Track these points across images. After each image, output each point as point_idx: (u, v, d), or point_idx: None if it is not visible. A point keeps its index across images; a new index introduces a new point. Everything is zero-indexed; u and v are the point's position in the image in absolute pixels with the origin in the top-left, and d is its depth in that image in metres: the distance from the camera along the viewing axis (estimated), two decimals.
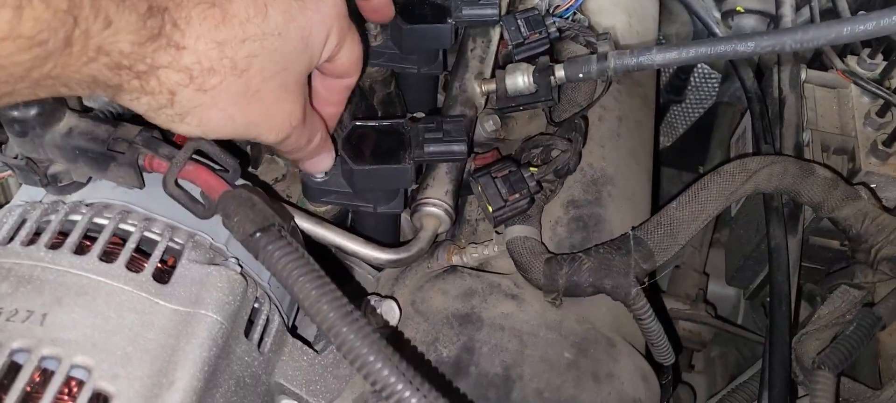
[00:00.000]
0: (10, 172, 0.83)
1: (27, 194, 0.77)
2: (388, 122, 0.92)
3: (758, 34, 0.87)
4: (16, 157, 0.72)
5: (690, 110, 1.69)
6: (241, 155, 0.97)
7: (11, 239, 0.69)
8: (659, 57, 0.93)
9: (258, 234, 0.67)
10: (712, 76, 1.60)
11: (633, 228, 0.93)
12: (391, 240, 1.05)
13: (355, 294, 1.01)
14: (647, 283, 0.90)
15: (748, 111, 1.23)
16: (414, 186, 0.96)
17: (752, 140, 1.20)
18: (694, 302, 1.34)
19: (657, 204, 1.13)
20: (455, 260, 1.00)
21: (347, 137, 0.90)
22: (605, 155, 1.09)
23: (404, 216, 1.05)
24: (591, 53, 1.07)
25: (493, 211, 0.91)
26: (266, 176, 1.02)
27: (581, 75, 0.98)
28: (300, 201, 0.99)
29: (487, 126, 1.09)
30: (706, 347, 1.42)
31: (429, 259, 0.99)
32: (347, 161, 0.88)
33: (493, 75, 1.06)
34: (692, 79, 1.60)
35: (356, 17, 1.07)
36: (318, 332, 0.90)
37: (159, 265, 0.71)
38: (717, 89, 1.61)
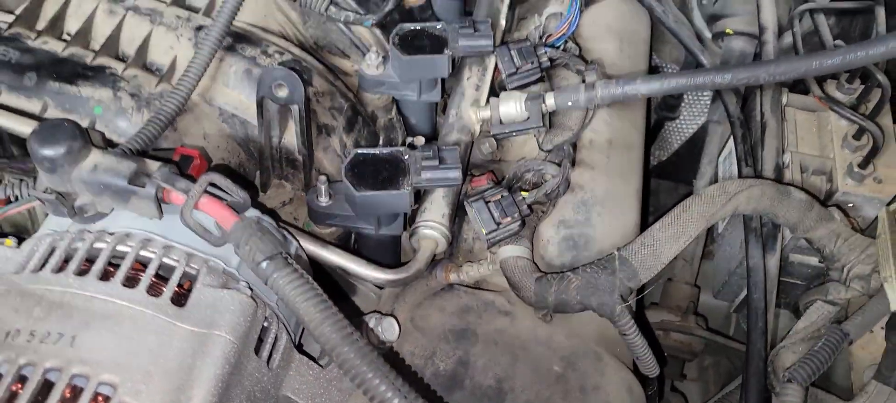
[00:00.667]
0: (36, 202, 0.90)
1: (55, 224, 0.83)
2: (388, 150, 0.98)
3: (735, 67, 0.93)
4: (46, 191, 0.78)
5: (684, 126, 1.74)
6: (250, 186, 1.04)
7: (43, 266, 0.76)
8: (643, 87, 0.99)
9: (266, 263, 0.73)
10: (704, 94, 1.65)
11: (619, 249, 0.99)
12: (392, 259, 1.12)
13: (357, 311, 1.08)
14: (632, 300, 0.96)
15: None
16: (413, 209, 1.02)
17: (737, 161, 1.26)
18: (685, 314, 1.40)
19: (647, 221, 1.19)
20: (452, 278, 1.06)
21: (350, 164, 0.96)
22: (595, 177, 1.14)
23: (404, 237, 1.11)
24: (582, 81, 1.14)
25: (487, 233, 0.98)
26: (274, 200, 1.08)
27: (570, 104, 1.04)
28: (306, 224, 1.05)
29: (484, 148, 1.15)
30: (697, 357, 1.47)
31: (427, 277, 1.05)
32: (350, 187, 0.94)
33: (487, 102, 1.13)
34: (685, 96, 1.65)
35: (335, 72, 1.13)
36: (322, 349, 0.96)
37: (177, 289, 0.77)
38: (703, 110, 1.66)
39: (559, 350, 0.96)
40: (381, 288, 1.09)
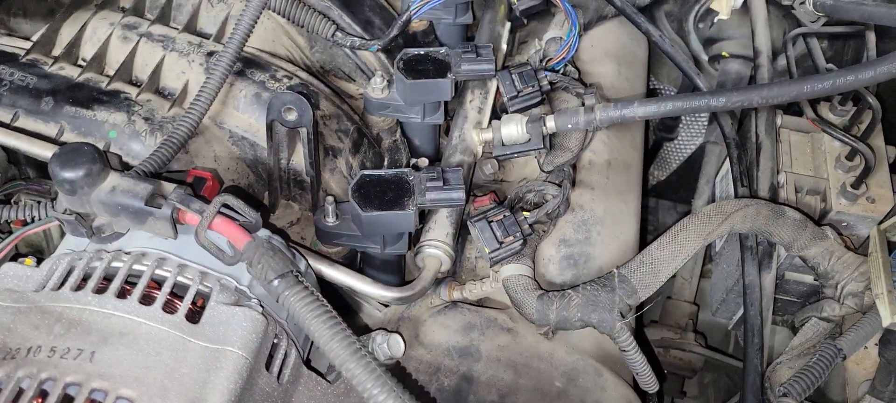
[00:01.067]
0: (53, 223, 0.93)
1: (72, 243, 0.86)
2: (393, 172, 1.00)
3: (729, 91, 0.96)
4: (65, 212, 0.81)
5: (682, 147, 1.78)
6: (260, 206, 1.07)
7: (62, 284, 0.79)
8: (640, 110, 1.02)
9: (277, 280, 0.76)
10: (701, 116, 1.69)
11: (618, 267, 1.02)
12: (397, 277, 1.14)
13: (364, 328, 1.10)
14: (631, 317, 0.98)
15: None
16: (417, 229, 1.05)
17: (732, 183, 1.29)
18: (684, 332, 1.42)
19: (646, 239, 1.22)
20: (456, 295, 1.09)
21: (357, 185, 0.99)
22: (595, 197, 1.18)
23: (408, 255, 1.14)
24: (581, 104, 1.17)
25: (490, 252, 1.00)
26: (282, 220, 1.11)
27: (570, 126, 1.07)
28: (313, 243, 1.08)
29: (486, 169, 1.18)
30: (697, 374, 1.49)
31: (432, 294, 1.08)
32: (356, 207, 0.97)
33: (489, 124, 1.16)
34: (683, 118, 1.68)
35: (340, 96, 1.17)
36: (329, 364, 0.99)
37: (191, 306, 0.80)
38: (701, 131, 1.70)
39: (561, 367, 0.98)
40: (386, 305, 1.12)
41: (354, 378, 0.72)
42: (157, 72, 1.09)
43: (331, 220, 1.02)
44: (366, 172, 1.00)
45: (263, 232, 0.87)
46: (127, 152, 1.02)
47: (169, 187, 0.81)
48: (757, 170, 1.17)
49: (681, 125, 1.72)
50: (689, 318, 1.46)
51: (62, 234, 1.02)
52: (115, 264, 0.82)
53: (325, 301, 0.76)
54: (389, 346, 0.96)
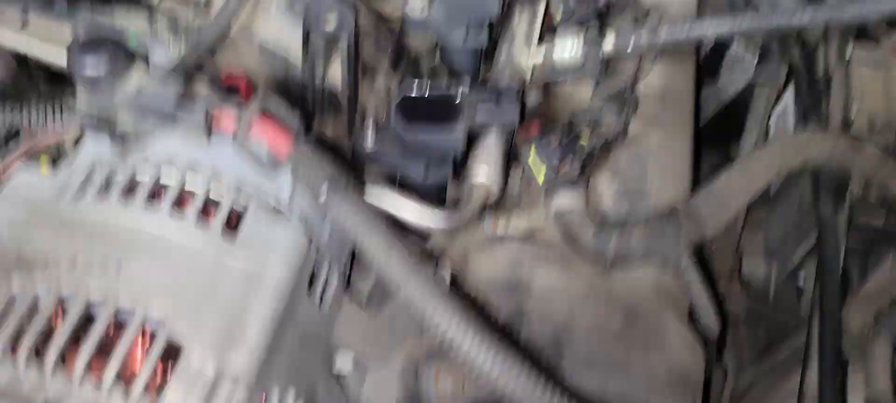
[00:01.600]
0: (64, 135, 0.85)
1: (92, 149, 0.77)
2: (439, 89, 0.92)
3: (817, 6, 0.87)
4: (85, 113, 0.72)
5: (722, 90, 1.68)
6: (304, 112, 0.98)
7: (82, 192, 0.70)
8: (711, 27, 0.94)
9: (325, 188, 0.68)
10: (746, 58, 1.59)
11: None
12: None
13: None
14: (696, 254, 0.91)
15: (788, 87, 1.23)
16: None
17: (794, 116, 1.20)
18: (728, 280, 1.35)
19: (697, 179, 1.14)
20: (500, 228, 1.00)
21: (400, 103, 0.90)
22: (649, 129, 1.09)
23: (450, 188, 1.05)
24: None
25: (544, 180, 0.92)
26: None
27: (631, 48, 0.98)
28: None
29: (530, 97, 1.09)
30: (737, 326, 1.42)
31: (475, 229, 0.99)
32: (399, 125, 0.88)
33: (539, 46, 1.06)
34: (727, 56, 1.58)
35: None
36: (368, 293, 0.91)
37: (226, 221, 0.71)
38: (748, 71, 1.60)
39: (619, 305, 0.91)
40: (424, 239, 1.04)
41: (415, 298, 0.64)
42: None
43: (370, 143, 0.94)
44: (409, 88, 0.91)
45: None
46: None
47: (202, 86, 0.72)
48: (827, 104, 1.08)
49: (723, 65, 1.63)
50: (732, 267, 1.38)
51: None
52: (141, 171, 0.73)
53: (375, 215, 0.68)
54: None
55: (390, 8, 1.17)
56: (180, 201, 0.72)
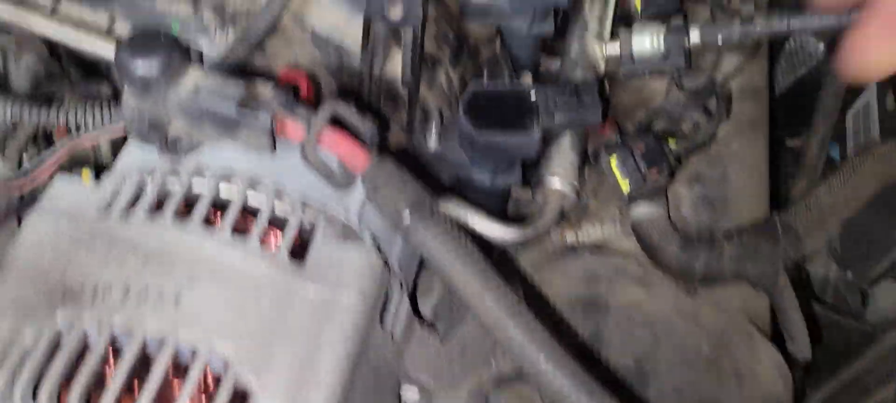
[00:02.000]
0: (104, 136, 0.77)
1: (138, 157, 0.69)
2: (512, 86, 0.83)
3: None
4: (133, 116, 0.64)
5: (781, 77, 1.59)
6: (379, 119, 0.89)
7: (132, 207, 0.62)
8: (816, 21, 0.84)
9: (408, 213, 0.60)
10: (809, 43, 1.49)
11: (779, 212, 0.85)
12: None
13: None
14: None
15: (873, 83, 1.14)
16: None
17: (877, 117, 1.11)
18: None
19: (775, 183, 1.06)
20: (569, 239, 0.92)
21: (468, 101, 0.82)
22: (728, 128, 1.00)
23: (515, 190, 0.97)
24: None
25: (631, 188, 0.84)
26: None
27: (720, 39, 0.89)
28: None
29: None
30: None
31: (544, 238, 0.91)
32: (469, 127, 0.80)
33: (613, 36, 0.97)
34: (789, 43, 1.48)
35: None
36: (435, 314, 0.83)
37: (293, 243, 0.64)
38: (815, 56, 1.50)
39: (708, 328, 0.83)
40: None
41: (514, 344, 0.56)
42: None
43: (433, 142, 0.85)
44: (478, 85, 0.83)
45: None
46: (192, 50, 0.85)
47: (266, 88, 0.64)
48: None
49: (784, 52, 1.53)
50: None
51: (115, 150, 0.85)
52: (196, 184, 0.65)
53: (469, 240, 0.60)
54: None
55: None
56: (241, 220, 0.64)
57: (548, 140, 0.89)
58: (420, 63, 0.87)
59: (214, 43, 0.85)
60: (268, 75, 0.78)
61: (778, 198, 1.53)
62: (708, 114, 0.88)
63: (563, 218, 0.92)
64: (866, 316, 1.24)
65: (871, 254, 1.10)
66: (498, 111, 0.82)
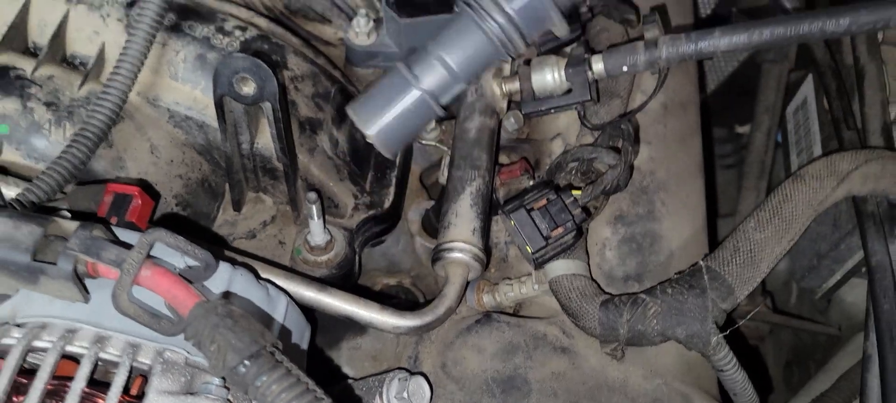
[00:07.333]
0: None
1: None
2: None
3: (853, 9, 0.69)
4: None
5: (723, 64, 1.50)
6: (212, 238, 0.80)
7: None
8: (724, 41, 0.75)
9: (245, 366, 0.50)
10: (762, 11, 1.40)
11: (706, 257, 0.76)
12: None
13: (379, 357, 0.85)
14: (727, 329, 0.74)
15: (807, 79, 1.05)
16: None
17: (818, 115, 1.03)
18: (753, 296, 1.18)
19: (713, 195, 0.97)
20: (487, 301, 0.83)
21: None
22: (653, 153, 0.91)
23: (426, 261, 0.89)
24: (628, 37, 0.90)
25: (534, 252, 0.74)
26: (252, 220, 0.84)
27: (625, 69, 0.80)
28: (295, 250, 0.82)
29: (508, 125, 0.90)
30: (763, 341, 1.27)
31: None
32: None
33: (514, 71, 0.88)
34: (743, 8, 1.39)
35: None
36: None
37: (124, 398, 0.54)
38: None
39: (639, 398, 0.74)
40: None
41: None
42: (59, 34, 0.79)
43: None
44: None
45: (224, 268, 0.60)
46: (28, 152, 0.74)
47: (69, 226, 0.54)
48: (861, 105, 0.90)
49: None
50: None
51: None
52: (3, 341, 0.55)
53: (312, 383, 0.50)
54: (411, 394, 0.70)
55: (333, 30, 0.98)
56: (59, 377, 0.54)
57: (443, 204, 0.80)
58: (289, 134, 0.77)
59: (51, 141, 0.74)
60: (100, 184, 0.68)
61: (718, 212, 1.46)
62: (617, 152, 0.79)
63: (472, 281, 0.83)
64: (831, 318, 1.17)
65: (823, 269, 1.02)
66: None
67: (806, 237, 1.03)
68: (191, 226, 0.79)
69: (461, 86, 0.67)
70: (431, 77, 0.65)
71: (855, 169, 0.78)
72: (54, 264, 0.52)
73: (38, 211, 0.61)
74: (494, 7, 0.64)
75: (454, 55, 0.65)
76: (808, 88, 1.07)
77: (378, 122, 0.65)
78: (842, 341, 1.15)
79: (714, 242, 0.89)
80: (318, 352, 0.84)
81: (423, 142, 0.94)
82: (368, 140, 0.65)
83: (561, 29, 0.67)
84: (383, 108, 0.65)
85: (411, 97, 0.65)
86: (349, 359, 0.86)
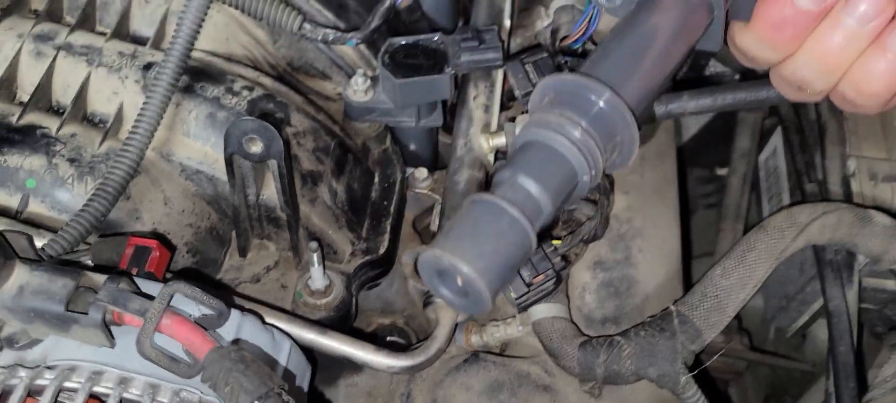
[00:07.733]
0: None
1: None
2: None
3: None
4: None
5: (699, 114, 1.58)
6: (224, 289, 0.86)
7: None
8: (692, 104, 0.83)
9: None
10: (725, 75, 1.48)
11: (676, 302, 0.83)
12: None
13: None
14: (695, 369, 0.80)
15: (776, 131, 1.13)
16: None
17: (786, 164, 1.10)
18: (728, 334, 1.25)
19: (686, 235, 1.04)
20: (475, 341, 0.89)
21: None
22: (631, 202, 0.98)
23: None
24: None
25: (516, 298, 0.81)
26: (256, 265, 0.91)
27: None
28: (297, 294, 0.88)
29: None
30: (741, 376, 1.33)
31: None
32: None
33: (500, 126, 0.95)
34: (707, 75, 1.48)
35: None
36: None
37: None
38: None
39: None
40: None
41: None
42: (81, 95, 0.86)
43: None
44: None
45: (234, 316, 0.67)
46: (52, 205, 0.80)
47: (98, 279, 0.60)
48: (823, 158, 0.97)
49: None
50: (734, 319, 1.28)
51: None
52: (38, 382, 0.61)
53: None
54: None
55: (332, 85, 1.05)
56: None
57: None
58: (292, 188, 0.83)
59: (74, 194, 0.81)
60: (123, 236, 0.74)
61: (692, 253, 1.52)
62: (593, 204, 0.86)
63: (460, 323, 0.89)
64: (805, 355, 1.23)
65: (791, 310, 1.08)
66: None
67: (776, 280, 1.10)
68: (200, 276, 0.85)
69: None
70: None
71: (814, 220, 0.85)
72: (86, 314, 0.58)
73: (62, 261, 0.67)
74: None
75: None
76: (777, 139, 1.14)
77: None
78: (814, 377, 1.21)
79: (690, 282, 0.95)
80: (317, 390, 0.90)
81: (417, 190, 1.01)
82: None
83: None
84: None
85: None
86: (346, 395, 0.91)
